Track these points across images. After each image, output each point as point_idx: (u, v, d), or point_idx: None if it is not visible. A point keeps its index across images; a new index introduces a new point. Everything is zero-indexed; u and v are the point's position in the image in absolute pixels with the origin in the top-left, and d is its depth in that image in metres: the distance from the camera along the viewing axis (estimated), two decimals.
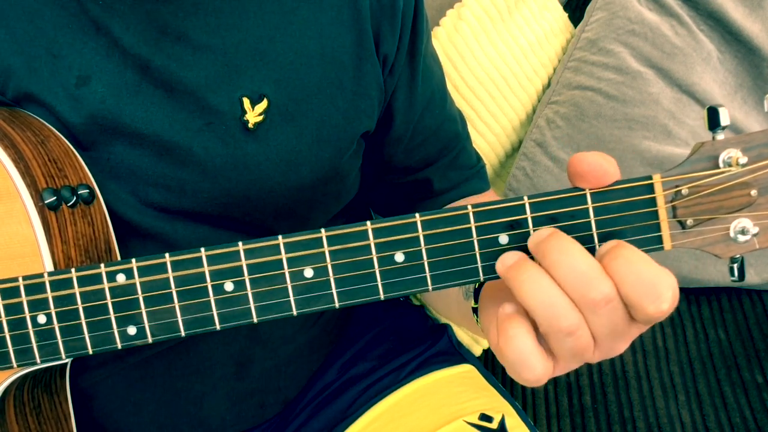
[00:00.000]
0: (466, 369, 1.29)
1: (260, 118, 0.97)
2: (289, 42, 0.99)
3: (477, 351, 1.68)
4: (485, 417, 1.15)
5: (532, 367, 0.70)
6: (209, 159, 0.97)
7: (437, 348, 1.32)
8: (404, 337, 1.34)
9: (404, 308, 1.44)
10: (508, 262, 0.72)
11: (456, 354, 1.33)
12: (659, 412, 1.61)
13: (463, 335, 1.58)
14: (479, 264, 0.75)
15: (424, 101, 1.15)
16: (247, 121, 0.97)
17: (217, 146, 0.97)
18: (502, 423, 1.15)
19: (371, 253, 0.76)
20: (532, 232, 0.74)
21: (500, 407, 1.20)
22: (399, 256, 0.76)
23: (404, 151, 1.17)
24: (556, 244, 0.70)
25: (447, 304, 1.15)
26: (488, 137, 1.81)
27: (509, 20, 1.81)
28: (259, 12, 0.98)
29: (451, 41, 1.73)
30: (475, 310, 0.88)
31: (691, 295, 1.90)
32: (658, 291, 0.67)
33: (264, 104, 0.97)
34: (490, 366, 1.74)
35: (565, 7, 2.04)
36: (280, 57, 0.99)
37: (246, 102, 0.97)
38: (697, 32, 1.88)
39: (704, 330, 1.80)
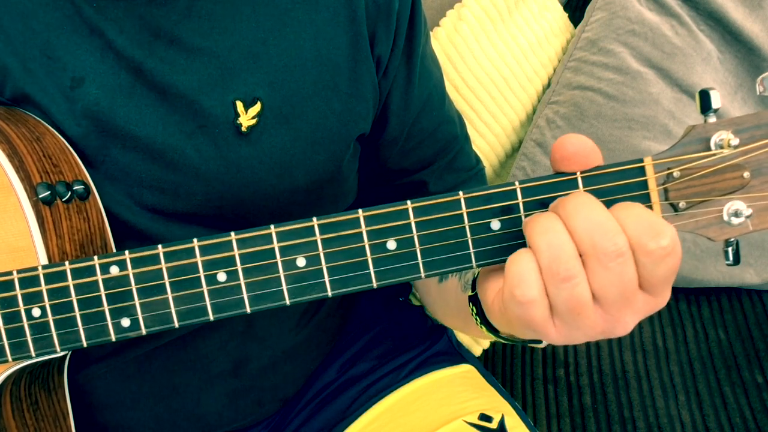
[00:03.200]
0: (466, 369, 1.29)
1: (253, 121, 0.97)
2: (284, 44, 0.99)
3: (477, 351, 1.68)
4: (485, 417, 1.15)
5: (529, 282, 0.70)
6: (202, 162, 0.97)
7: (437, 348, 1.32)
8: (404, 337, 1.34)
9: (404, 308, 1.44)
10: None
11: (456, 354, 1.33)
12: (659, 412, 1.60)
13: (463, 335, 1.58)
14: (471, 250, 0.75)
15: (421, 103, 1.14)
16: (240, 125, 0.96)
17: (210, 150, 0.97)
18: (501, 423, 1.14)
19: (363, 241, 0.76)
20: (523, 217, 0.74)
21: (500, 407, 1.20)
22: (391, 244, 0.76)
23: (399, 153, 1.16)
24: (575, 197, 0.71)
25: (446, 302, 1.15)
26: (488, 137, 1.81)
27: (509, 20, 1.81)
28: (252, 15, 0.98)
29: (451, 41, 1.73)
30: (470, 299, 0.88)
31: (691, 295, 1.90)
32: (657, 228, 0.68)
33: (257, 107, 0.97)
34: (490, 366, 1.74)
35: (565, 7, 2.04)
36: (274, 59, 0.99)
37: (239, 105, 0.96)
38: (697, 32, 1.88)
39: (704, 330, 1.80)
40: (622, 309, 0.71)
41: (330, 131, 1.03)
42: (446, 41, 1.73)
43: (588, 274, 0.70)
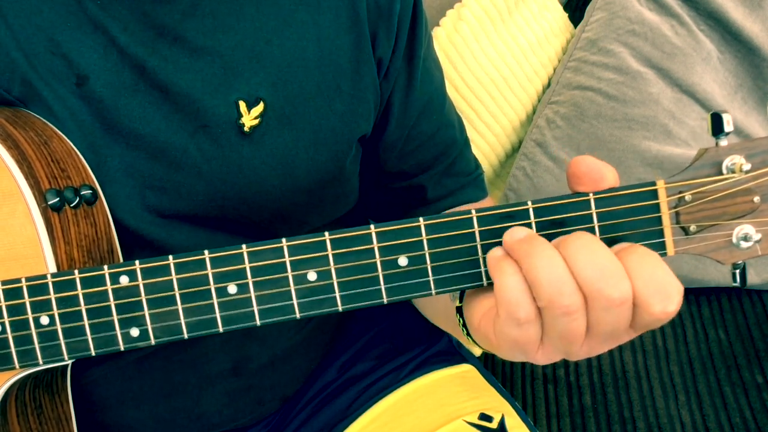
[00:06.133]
0: (466, 369, 1.29)
1: (256, 121, 0.97)
2: (287, 45, 0.99)
3: (477, 351, 1.68)
4: (485, 416, 1.15)
5: (524, 304, 0.70)
6: (205, 161, 0.97)
7: (437, 348, 1.32)
8: (404, 336, 1.34)
9: (404, 308, 1.43)
10: (517, 235, 0.72)
11: (456, 354, 1.32)
12: (659, 412, 1.61)
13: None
14: (482, 268, 0.75)
15: (421, 106, 1.14)
16: (243, 125, 0.96)
17: (213, 149, 0.96)
18: (501, 423, 1.14)
19: (375, 257, 0.76)
20: None
21: (500, 407, 1.19)
22: (402, 260, 0.76)
23: (398, 155, 1.16)
24: (577, 238, 0.70)
25: (435, 307, 1.15)
26: (488, 137, 1.81)
27: (509, 20, 1.81)
28: (256, 15, 0.98)
29: (451, 41, 1.73)
30: (458, 310, 0.88)
31: (691, 295, 1.90)
32: (668, 291, 0.67)
33: (260, 107, 0.97)
34: (490, 366, 1.75)
35: (565, 7, 2.04)
36: (277, 60, 0.99)
37: (242, 105, 0.96)
38: (697, 32, 1.88)
39: (704, 330, 1.81)
40: (608, 342, 0.73)
41: (332, 132, 1.03)
42: (446, 41, 1.73)
43: (588, 310, 0.70)
